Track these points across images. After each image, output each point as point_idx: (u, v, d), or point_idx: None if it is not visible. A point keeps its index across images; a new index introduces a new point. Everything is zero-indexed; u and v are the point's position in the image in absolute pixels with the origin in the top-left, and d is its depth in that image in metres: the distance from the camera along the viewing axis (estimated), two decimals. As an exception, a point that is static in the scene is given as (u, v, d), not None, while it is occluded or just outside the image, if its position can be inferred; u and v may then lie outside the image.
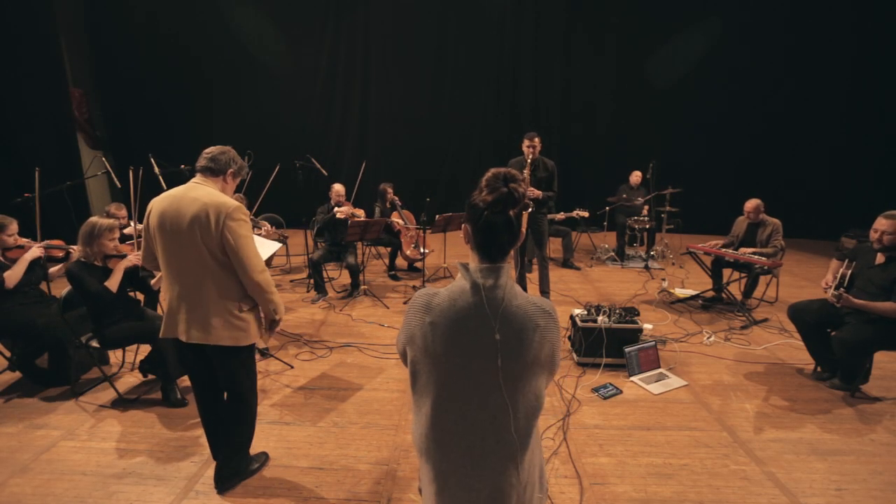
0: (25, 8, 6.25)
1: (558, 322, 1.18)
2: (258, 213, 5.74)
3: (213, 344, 1.99)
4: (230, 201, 1.94)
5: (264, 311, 2.09)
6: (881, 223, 2.95)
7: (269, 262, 5.04)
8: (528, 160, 4.28)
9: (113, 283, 2.80)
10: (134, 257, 2.92)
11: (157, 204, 1.98)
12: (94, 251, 2.83)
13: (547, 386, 1.24)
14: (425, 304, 1.14)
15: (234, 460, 2.24)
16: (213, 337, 1.98)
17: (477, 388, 1.12)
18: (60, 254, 3.33)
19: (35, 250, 3.10)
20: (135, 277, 3.09)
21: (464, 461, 1.15)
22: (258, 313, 2.12)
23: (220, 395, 2.20)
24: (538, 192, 4.25)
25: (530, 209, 4.25)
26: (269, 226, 4.78)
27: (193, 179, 2.03)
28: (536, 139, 4.31)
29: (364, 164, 5.53)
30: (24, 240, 3.18)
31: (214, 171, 2.03)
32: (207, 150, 2.07)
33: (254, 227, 4.28)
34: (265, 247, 2.71)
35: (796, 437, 2.68)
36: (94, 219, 2.88)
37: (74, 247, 3.33)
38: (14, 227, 3.08)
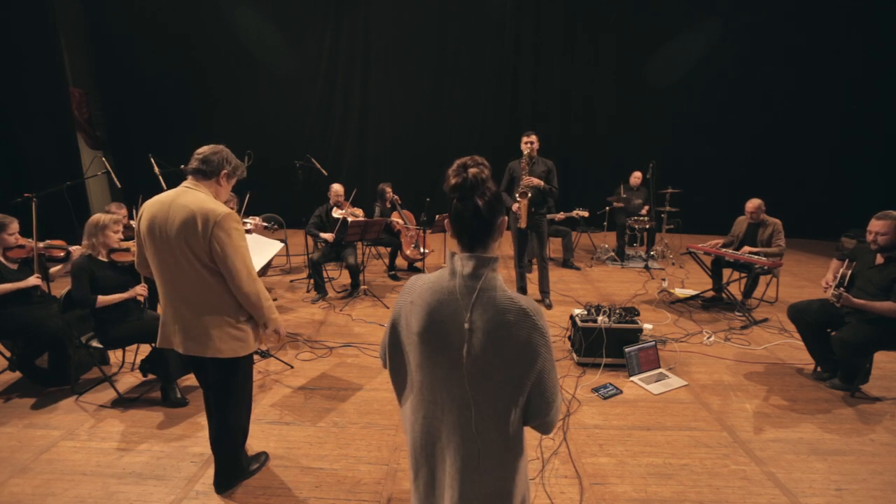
0: (25, 8, 6.25)
1: (539, 325, 1.05)
2: (255, 213, 5.73)
3: (210, 356, 1.94)
4: (220, 208, 1.83)
5: (259, 322, 2.01)
6: (874, 225, 2.97)
7: (268, 264, 5.03)
8: (525, 154, 4.32)
9: (104, 301, 2.84)
10: (141, 288, 2.99)
11: (147, 209, 1.88)
12: (98, 241, 2.90)
13: (544, 416, 1.10)
14: (411, 284, 1.17)
15: (229, 462, 2.22)
16: (210, 350, 1.92)
17: (445, 375, 1.10)
18: (61, 254, 3.33)
19: (33, 279, 3.07)
20: (138, 276, 3.09)
21: (432, 450, 1.15)
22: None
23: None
24: (538, 181, 4.27)
25: (529, 196, 4.27)
26: (258, 220, 4.69)
27: (184, 183, 1.91)
28: (534, 136, 4.38)
29: (354, 191, 5.61)
30: (25, 239, 3.18)
31: (206, 173, 1.91)
32: (199, 151, 1.93)
33: (242, 220, 4.24)
34: (266, 247, 2.65)
35: (796, 437, 2.69)
36: (99, 214, 2.98)
37: (75, 247, 3.34)
38: (14, 226, 3.07)
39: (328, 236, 4.93)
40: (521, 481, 1.17)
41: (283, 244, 3.14)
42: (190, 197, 1.84)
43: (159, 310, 2.04)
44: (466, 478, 1.10)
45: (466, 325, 1.05)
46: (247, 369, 2.13)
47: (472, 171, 1.07)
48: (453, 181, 1.08)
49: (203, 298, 1.89)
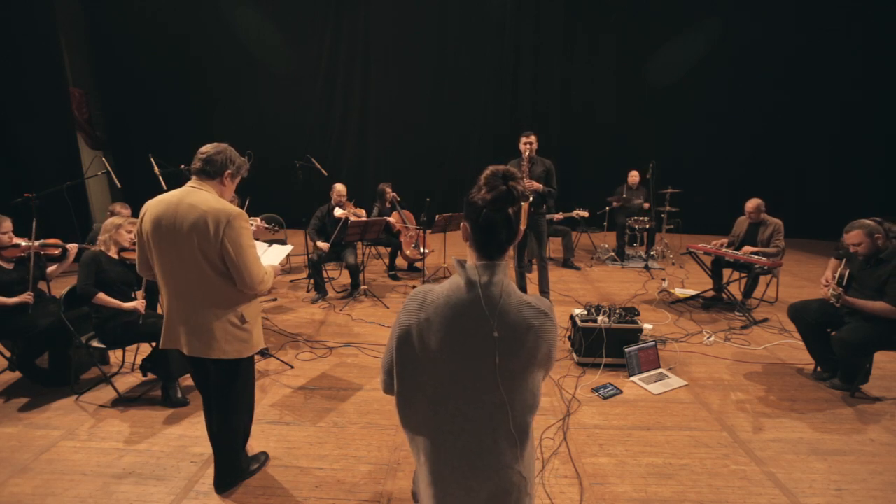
0: (25, 8, 6.25)
1: (555, 322, 1.15)
2: (255, 213, 5.73)
3: (215, 358, 1.94)
4: (230, 208, 1.83)
5: None
6: (848, 238, 3.01)
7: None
8: (525, 156, 4.31)
9: (103, 299, 2.85)
10: (140, 304, 2.98)
11: (151, 209, 1.86)
12: (111, 238, 3.00)
13: (543, 380, 1.22)
14: (421, 300, 1.14)
15: (230, 462, 2.22)
16: (215, 351, 1.92)
17: (473, 386, 1.11)
18: (57, 251, 3.31)
19: (25, 297, 3.01)
20: (139, 276, 3.10)
21: (461, 461, 1.14)
22: (260, 321, 2.08)
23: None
24: (538, 185, 4.27)
25: (530, 199, 4.27)
26: (259, 221, 4.67)
27: (189, 183, 1.90)
28: (533, 136, 4.37)
29: (353, 202, 5.74)
30: (19, 238, 3.17)
31: (210, 173, 1.90)
32: (202, 150, 1.91)
33: None
34: (275, 252, 2.66)
35: (796, 437, 2.68)
36: (116, 217, 3.13)
37: (70, 244, 3.34)
38: (7, 224, 3.03)
39: (324, 246, 4.90)
40: (533, 448, 1.24)
41: (291, 247, 3.18)
42: (198, 197, 1.83)
43: (159, 309, 2.04)
44: (502, 472, 1.14)
45: (496, 334, 1.07)
46: (248, 371, 2.13)
47: (512, 184, 1.08)
48: (491, 194, 1.07)
49: (209, 299, 1.89)
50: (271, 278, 2.02)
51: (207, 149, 1.92)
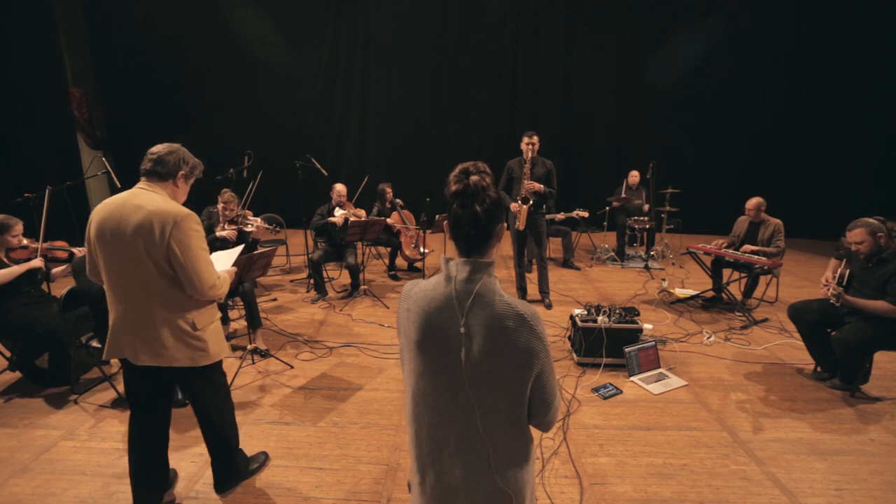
0: (25, 7, 6.25)
1: (535, 329, 1.05)
2: (256, 213, 5.73)
3: (167, 366, 1.84)
4: (178, 209, 1.75)
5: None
6: (850, 236, 3.01)
7: (267, 264, 4.99)
8: (528, 158, 4.31)
9: None
10: None
11: (96, 212, 1.77)
12: None
13: (543, 415, 1.13)
14: (407, 291, 1.18)
15: (228, 462, 2.21)
16: (164, 359, 1.82)
17: (448, 381, 1.10)
18: (64, 255, 3.34)
19: (36, 262, 3.06)
20: None
21: (439, 455, 1.14)
22: (219, 329, 2.01)
23: (160, 422, 2.06)
24: (539, 186, 4.27)
25: (530, 202, 4.27)
26: (259, 221, 4.67)
27: (138, 184, 1.81)
28: (535, 137, 4.35)
29: (366, 179, 5.79)
30: (28, 240, 3.18)
31: (161, 174, 1.80)
32: (153, 151, 1.82)
33: (244, 221, 4.20)
34: (223, 258, 2.59)
35: (796, 437, 2.69)
36: None
37: (77, 248, 3.35)
38: (19, 227, 3.08)
39: (337, 219, 4.90)
40: (530, 477, 1.19)
41: (240, 246, 3.11)
42: (144, 198, 1.75)
43: None
44: (479, 478, 1.12)
45: (462, 330, 1.06)
46: (220, 374, 2.10)
47: (473, 178, 1.07)
48: (454, 187, 1.08)
49: (157, 305, 1.79)
50: (225, 284, 1.94)
51: (159, 149, 1.83)
